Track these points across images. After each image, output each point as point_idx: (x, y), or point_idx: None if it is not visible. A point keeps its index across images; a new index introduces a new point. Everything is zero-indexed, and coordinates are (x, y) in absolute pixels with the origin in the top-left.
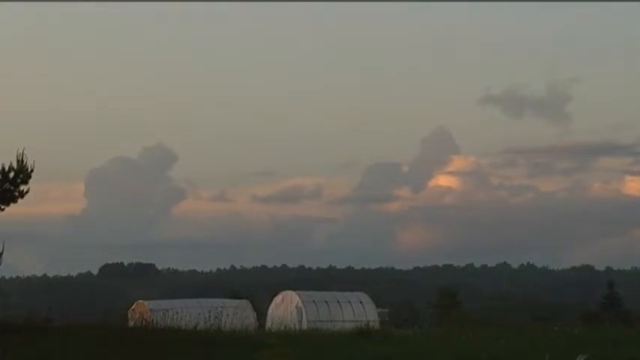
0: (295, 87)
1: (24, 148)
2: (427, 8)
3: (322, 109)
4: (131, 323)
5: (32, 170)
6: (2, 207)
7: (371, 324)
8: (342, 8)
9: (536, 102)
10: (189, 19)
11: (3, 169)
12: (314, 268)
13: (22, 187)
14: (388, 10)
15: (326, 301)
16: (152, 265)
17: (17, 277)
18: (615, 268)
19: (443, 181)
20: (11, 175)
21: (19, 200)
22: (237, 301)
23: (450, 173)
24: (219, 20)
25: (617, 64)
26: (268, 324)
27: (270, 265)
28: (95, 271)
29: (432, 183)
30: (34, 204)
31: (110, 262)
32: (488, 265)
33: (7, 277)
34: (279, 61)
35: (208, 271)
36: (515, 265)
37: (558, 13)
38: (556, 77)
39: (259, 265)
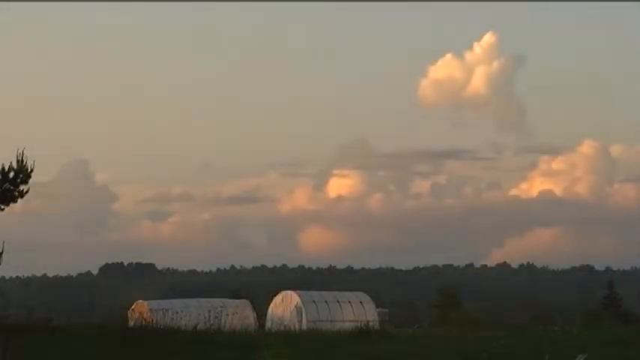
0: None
1: (24, 148)
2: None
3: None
4: (131, 323)
5: (32, 170)
6: (2, 207)
7: (371, 324)
8: (359, 7)
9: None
10: (205, 9)
11: (3, 169)
12: (314, 268)
13: (22, 187)
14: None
15: (326, 301)
16: (152, 265)
17: (17, 277)
18: (615, 268)
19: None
20: (11, 175)
21: (19, 200)
22: (237, 301)
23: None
24: (237, 18)
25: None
26: (268, 324)
27: (270, 265)
28: (95, 271)
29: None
30: None
31: (110, 262)
32: (488, 265)
33: (7, 277)
34: (294, 62)
35: (208, 271)
36: (515, 265)
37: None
38: None
39: (259, 265)
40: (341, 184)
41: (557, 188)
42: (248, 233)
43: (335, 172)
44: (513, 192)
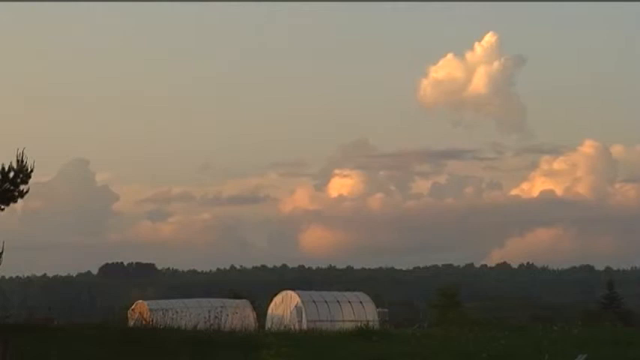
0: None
1: (24, 148)
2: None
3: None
4: (131, 323)
5: (32, 170)
6: (2, 207)
7: (371, 324)
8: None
9: None
10: (205, 9)
11: (3, 169)
12: (314, 268)
13: (22, 187)
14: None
15: (326, 301)
16: (152, 265)
17: (17, 277)
18: (615, 268)
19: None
20: (11, 175)
21: (19, 200)
22: (237, 301)
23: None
24: (237, 18)
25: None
26: (268, 324)
27: (270, 265)
28: (95, 271)
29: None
30: None
31: (110, 262)
32: (488, 265)
33: (7, 277)
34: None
35: (208, 271)
36: (515, 265)
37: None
38: None
39: (259, 265)
40: (341, 184)
41: (558, 188)
42: (248, 233)
43: (335, 172)
44: (514, 192)
